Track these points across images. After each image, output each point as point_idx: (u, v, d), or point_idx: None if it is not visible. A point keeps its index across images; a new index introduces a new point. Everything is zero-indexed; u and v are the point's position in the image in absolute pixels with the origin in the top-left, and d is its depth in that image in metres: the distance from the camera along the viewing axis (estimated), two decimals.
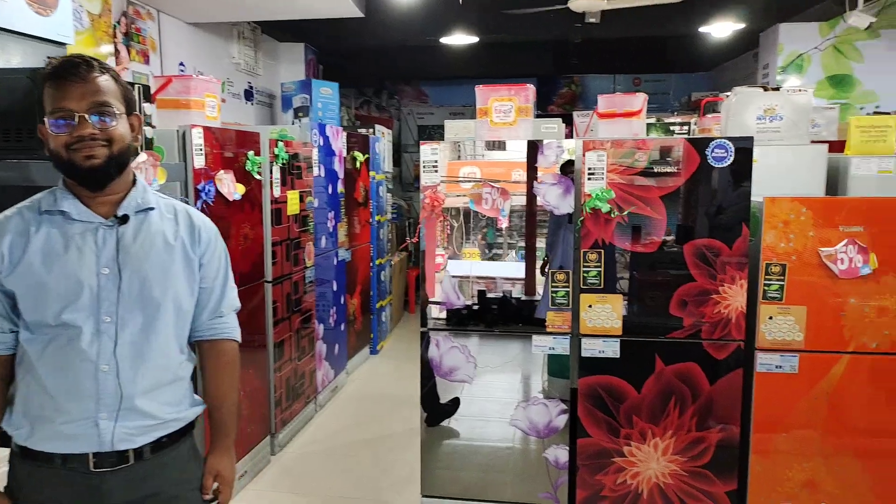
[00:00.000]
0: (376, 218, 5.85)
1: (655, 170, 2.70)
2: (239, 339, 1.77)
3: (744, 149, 2.63)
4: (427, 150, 2.89)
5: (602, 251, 2.74)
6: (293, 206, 3.95)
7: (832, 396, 2.60)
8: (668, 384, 2.71)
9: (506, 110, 3.02)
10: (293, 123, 5.59)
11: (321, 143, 4.56)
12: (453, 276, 2.92)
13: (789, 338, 2.62)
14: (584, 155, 2.74)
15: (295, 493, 3.37)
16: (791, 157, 3.19)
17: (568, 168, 2.80)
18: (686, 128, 6.13)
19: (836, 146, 3.40)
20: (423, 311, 2.94)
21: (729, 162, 2.64)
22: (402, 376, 5.16)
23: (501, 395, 2.91)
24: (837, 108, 4.64)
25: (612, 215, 2.71)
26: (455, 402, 2.92)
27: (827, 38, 6.56)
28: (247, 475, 3.41)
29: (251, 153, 3.44)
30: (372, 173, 5.76)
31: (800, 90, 3.45)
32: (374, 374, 5.31)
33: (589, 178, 2.74)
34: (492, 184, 2.86)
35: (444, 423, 2.94)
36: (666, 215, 2.69)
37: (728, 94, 3.60)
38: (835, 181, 3.23)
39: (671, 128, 6.21)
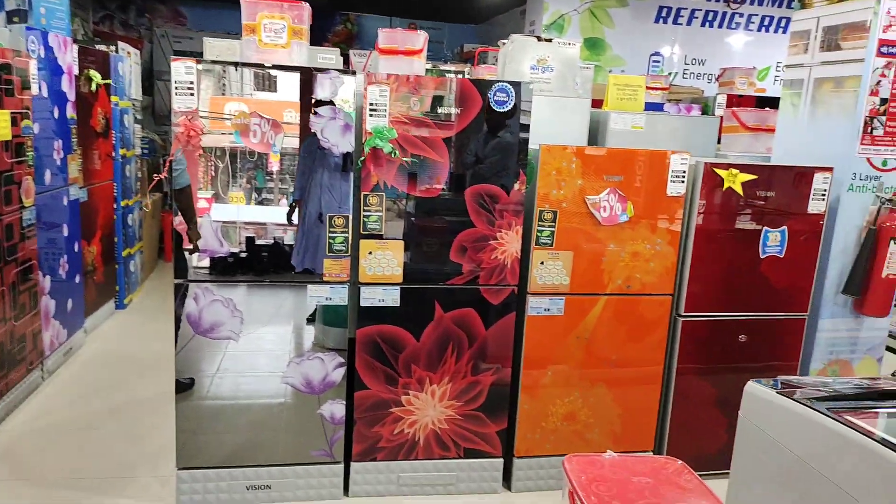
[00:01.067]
0: (121, 152, 5.01)
1: (439, 111, 2.57)
2: None
3: (523, 94, 2.61)
4: (180, 69, 2.43)
5: (383, 195, 2.57)
6: (2, 131, 3.15)
7: (591, 334, 2.77)
8: (447, 331, 2.67)
9: (277, 29, 2.64)
10: (5, 27, 4.48)
11: (42, 55, 3.70)
12: (215, 222, 2.53)
13: (557, 282, 2.73)
14: (365, 89, 2.51)
15: (17, 480, 2.77)
16: (559, 109, 3.30)
17: None
18: (460, 76, 6.19)
19: (594, 104, 3.62)
20: (178, 259, 2.52)
21: (510, 106, 2.62)
22: (154, 333, 4.57)
23: (272, 349, 2.63)
24: (593, 67, 4.97)
25: (394, 156, 2.54)
26: (192, 381, 2.57)
27: (585, 3, 7.06)
28: None
29: None
30: (115, 99, 4.90)
31: (569, 44, 3.57)
32: (121, 332, 4.62)
33: (371, 115, 2.53)
34: (261, 114, 2.50)
35: (200, 386, 2.59)
36: (449, 159, 2.59)
37: (504, 41, 3.61)
38: (595, 134, 3.43)
39: (446, 75, 6.23)
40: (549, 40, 3.52)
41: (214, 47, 3.28)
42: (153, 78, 8.16)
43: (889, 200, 2.91)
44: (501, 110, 2.62)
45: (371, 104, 2.52)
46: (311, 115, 2.51)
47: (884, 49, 2.86)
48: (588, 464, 1.26)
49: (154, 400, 3.56)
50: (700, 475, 2.81)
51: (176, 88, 2.43)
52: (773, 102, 5.26)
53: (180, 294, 2.52)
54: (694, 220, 2.78)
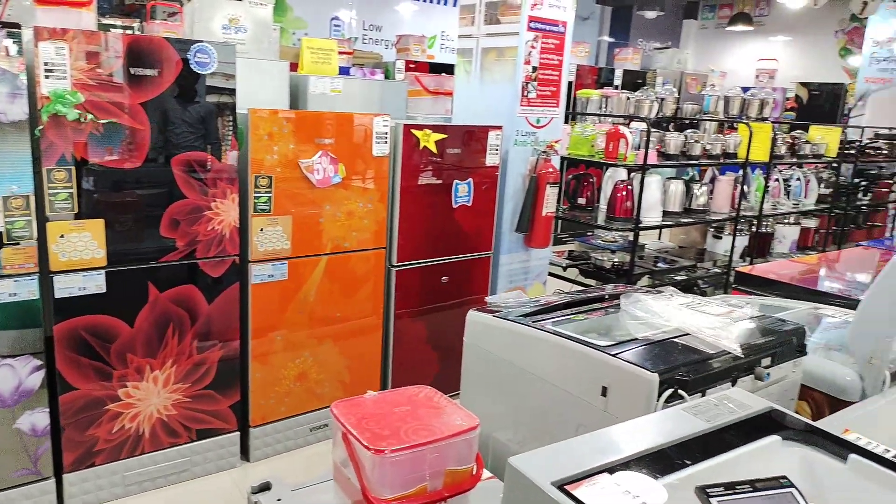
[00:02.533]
0: None
1: (133, 72, 2.33)
2: None
3: (226, 55, 2.52)
4: None
5: (73, 168, 2.26)
6: None
7: (315, 294, 2.87)
8: (165, 312, 2.50)
9: None
10: None
11: None
12: None
13: (279, 247, 2.74)
14: (37, 46, 2.15)
15: None
16: (257, 72, 3.24)
17: None
18: (130, 31, 5.56)
19: (291, 66, 3.63)
20: None
21: (213, 68, 2.50)
22: None
23: None
24: (279, 29, 4.93)
25: (83, 122, 2.24)
26: None
27: None
28: None
29: None
30: None
31: (261, 4, 3.50)
32: None
33: (47, 77, 2.18)
34: None
35: None
36: (149, 125, 2.38)
37: None
38: (296, 97, 3.46)
39: (112, 29, 5.53)
40: None
41: None
42: None
43: (544, 152, 3.55)
44: (204, 72, 2.48)
45: (46, 64, 2.17)
46: None
47: (532, 24, 3.41)
48: (353, 406, 1.36)
49: None
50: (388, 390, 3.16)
51: None
52: (444, 68, 5.88)
53: None
54: (398, 178, 3.03)
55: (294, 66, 3.64)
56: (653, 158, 3.79)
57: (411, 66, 6.45)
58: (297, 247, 2.78)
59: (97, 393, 2.39)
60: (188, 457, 2.63)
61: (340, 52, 5.58)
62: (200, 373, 2.61)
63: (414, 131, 3.05)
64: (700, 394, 1.45)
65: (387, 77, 6.60)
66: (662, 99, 4.47)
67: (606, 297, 1.99)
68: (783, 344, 1.71)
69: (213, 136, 2.53)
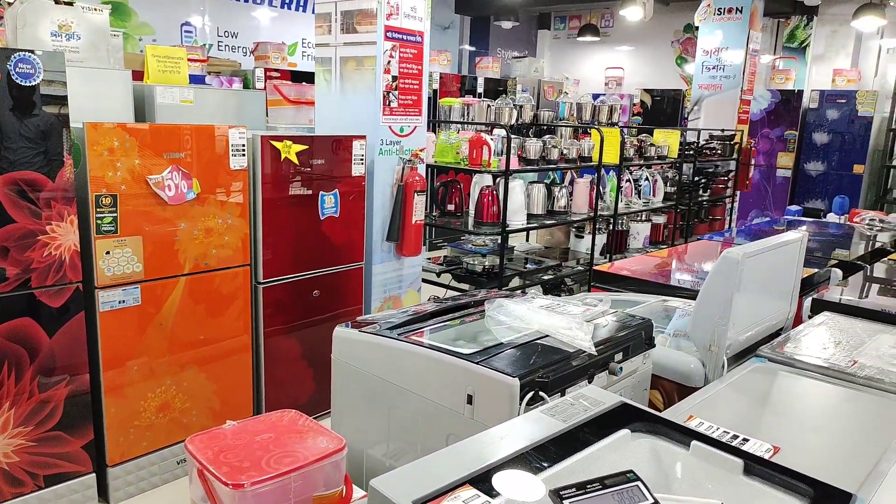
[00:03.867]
0: None
1: None
2: None
3: (53, 65, 2.30)
4: None
5: None
6: None
7: (175, 318, 2.69)
8: None
9: None
10: None
11: None
12: None
13: (129, 270, 2.55)
14: None
15: None
16: (95, 82, 3.02)
17: None
18: None
19: (137, 75, 3.40)
20: None
21: (39, 79, 2.28)
22: None
23: None
24: (121, 35, 4.62)
25: None
26: None
27: None
28: None
29: None
30: None
31: (95, 9, 3.26)
32: None
33: None
34: None
35: None
36: None
37: (11, 0, 3.08)
38: (142, 108, 3.25)
39: None
40: (71, 3, 3.14)
41: None
42: None
43: (409, 161, 3.57)
44: (28, 84, 2.26)
45: None
46: None
47: (389, 34, 3.43)
48: (210, 439, 1.29)
49: None
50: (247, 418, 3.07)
51: None
52: (305, 77, 5.76)
53: None
54: (259, 192, 2.92)
55: (140, 76, 3.42)
56: (515, 164, 3.92)
57: (273, 74, 6.26)
58: (151, 269, 2.60)
59: None
60: None
61: (193, 60, 5.32)
62: (45, 413, 2.36)
63: (274, 143, 2.95)
64: (560, 394, 1.52)
65: (246, 86, 6.36)
66: (521, 106, 4.64)
67: (473, 303, 2.03)
68: (633, 338, 1.82)
69: (44, 153, 2.30)
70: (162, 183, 2.60)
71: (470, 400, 1.47)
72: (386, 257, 3.57)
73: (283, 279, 3.06)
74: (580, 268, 4.40)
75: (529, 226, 4.12)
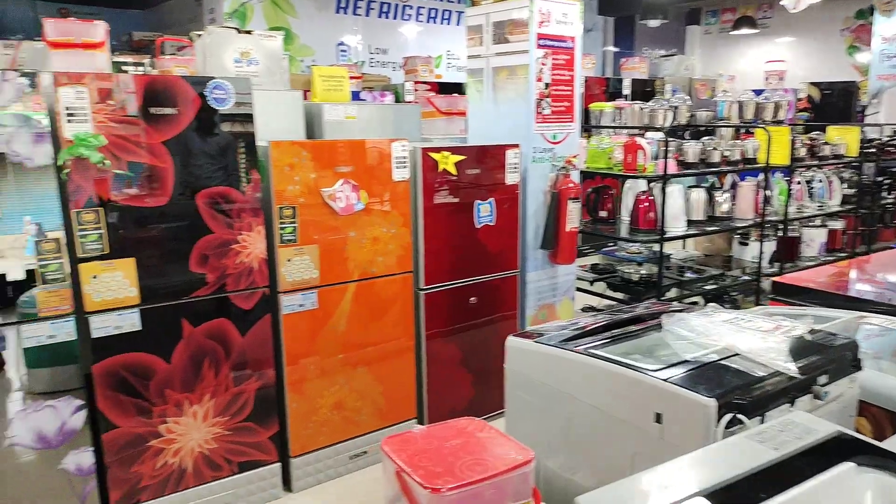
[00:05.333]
0: None
1: (152, 111, 2.36)
2: None
3: (242, 89, 2.54)
4: None
5: (101, 209, 2.28)
6: None
7: (346, 321, 2.86)
8: (200, 347, 2.51)
9: None
10: None
11: None
12: None
13: (307, 276, 2.75)
14: (56, 91, 2.18)
15: None
16: (272, 103, 3.28)
17: None
18: (142, 68, 5.65)
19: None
20: None
21: (231, 104, 2.52)
22: None
23: None
24: (287, 58, 4.99)
25: (105, 165, 2.27)
26: None
27: None
28: None
29: None
30: None
31: (270, 36, 3.54)
32: None
33: (69, 121, 2.21)
34: None
35: None
36: (173, 163, 2.41)
37: (199, 33, 3.43)
38: (311, 125, 3.48)
39: (123, 67, 5.62)
40: (250, 32, 3.45)
41: None
42: None
43: (562, 168, 3.54)
44: (222, 108, 2.51)
45: (68, 108, 2.20)
46: None
47: (542, 41, 3.43)
48: (404, 442, 1.35)
49: None
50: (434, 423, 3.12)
51: None
52: (451, 88, 5.90)
53: None
54: (420, 201, 3.04)
55: (306, 95, 3.67)
56: (672, 168, 3.77)
57: (421, 87, 6.49)
58: (325, 275, 2.78)
59: (139, 430, 2.40)
60: (231, 490, 2.62)
61: (350, 77, 5.64)
62: (238, 405, 2.60)
63: (432, 154, 3.05)
64: (759, 418, 1.42)
65: (397, 99, 6.65)
66: (676, 107, 4.45)
67: (645, 316, 1.97)
68: (838, 359, 1.67)
69: (235, 169, 2.55)
70: (334, 195, 2.78)
71: (658, 419, 1.43)
72: (540, 265, 3.56)
73: (442, 286, 3.15)
74: (746, 277, 4.13)
75: (690, 233, 3.93)
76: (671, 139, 3.87)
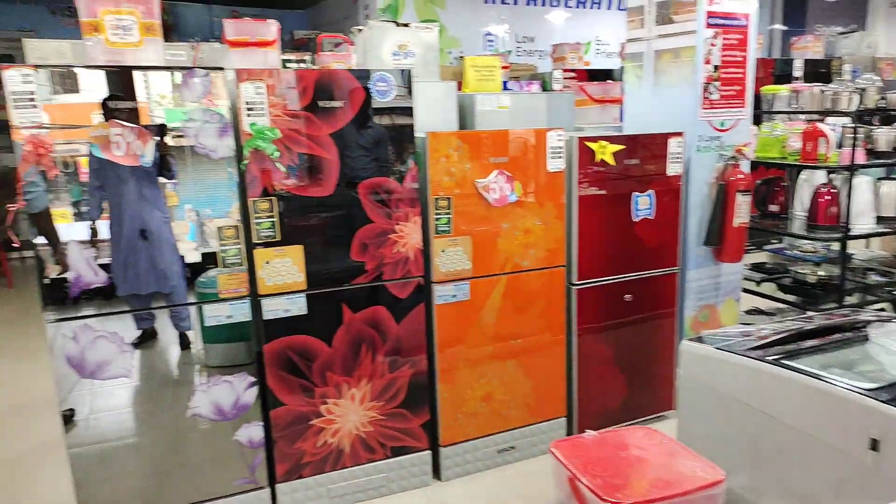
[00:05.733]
0: None
1: (321, 105, 2.45)
2: None
3: (404, 82, 2.57)
4: (16, 78, 2.08)
5: (274, 198, 2.42)
6: None
7: (496, 314, 2.84)
8: (359, 332, 2.59)
9: (126, 26, 2.36)
10: None
11: None
12: (83, 244, 2.22)
13: (460, 267, 2.75)
14: (238, 87, 2.33)
15: None
16: (427, 94, 3.30)
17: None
18: (304, 64, 5.96)
19: None
20: (44, 294, 2.19)
21: (393, 95, 2.57)
22: (9, 376, 3.96)
23: (171, 380, 2.39)
24: (438, 49, 5.03)
25: (275, 156, 2.39)
26: (71, 412, 2.28)
27: None
28: None
29: None
30: None
31: (427, 28, 3.57)
32: None
33: (249, 114, 2.35)
34: (123, 122, 2.22)
35: (88, 431, 2.30)
36: (338, 155, 2.49)
37: (360, 27, 3.53)
38: (463, 116, 3.48)
39: (287, 65, 5.96)
40: (407, 25, 3.50)
41: (38, 49, 2.87)
42: None
43: (732, 157, 3.27)
44: (384, 100, 2.56)
45: (248, 103, 2.35)
46: (185, 122, 2.28)
47: (711, 20, 3.17)
48: (574, 447, 1.29)
49: (32, 452, 3.10)
50: (606, 429, 2.99)
51: (15, 101, 2.09)
52: (600, 75, 5.68)
53: (54, 335, 2.19)
54: (575, 193, 2.93)
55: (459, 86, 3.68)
56: (861, 157, 3.35)
57: (569, 75, 6.31)
58: (477, 266, 2.77)
59: (303, 408, 2.53)
60: (385, 473, 2.70)
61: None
62: (392, 391, 2.67)
63: (589, 144, 2.93)
64: None
65: (544, 88, 6.52)
66: (863, 89, 3.96)
67: (845, 325, 1.74)
68: None
69: (395, 160, 2.59)
70: (488, 186, 2.75)
71: (874, 446, 1.24)
72: (702, 262, 3.32)
73: (596, 282, 3.03)
74: None
75: (880, 230, 3.49)
76: (859, 125, 3.45)
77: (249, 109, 2.35)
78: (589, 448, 1.27)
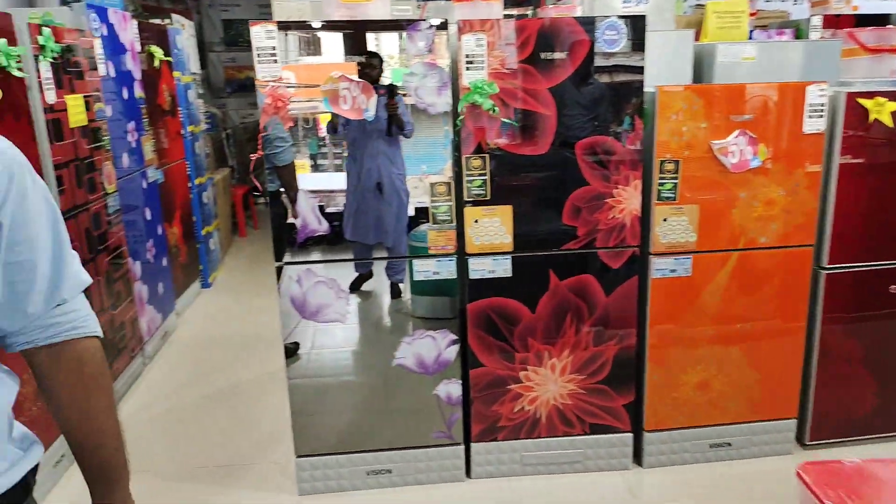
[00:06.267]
0: (189, 129, 4.92)
1: (542, 57, 2.31)
2: (100, 332, 1.08)
3: (636, 30, 2.32)
4: (260, 33, 2.23)
5: (487, 156, 2.35)
6: (77, 116, 3.05)
7: (721, 295, 2.52)
8: (564, 300, 2.46)
9: None
10: (65, 6, 4.38)
11: (105, 34, 3.57)
12: (311, 196, 2.37)
13: (682, 239, 2.47)
14: (460, 39, 2.27)
15: (138, 472, 2.74)
16: (659, 45, 2.97)
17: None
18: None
19: None
20: (276, 240, 2.38)
21: (621, 45, 2.33)
22: (243, 310, 4.53)
23: (380, 329, 2.50)
24: None
25: (494, 112, 2.30)
26: (296, 346, 2.45)
27: None
28: (65, 459, 2.71)
29: (2, 42, 2.49)
30: (176, 74, 4.78)
31: None
32: (210, 311, 4.61)
33: (468, 68, 2.29)
34: (350, 77, 2.29)
35: (308, 365, 2.48)
36: (556, 110, 2.34)
37: None
38: (698, 69, 3.09)
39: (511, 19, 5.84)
40: None
41: (284, 9, 3.07)
42: (205, 51, 8.04)
43: None
44: (612, 50, 2.33)
45: (467, 56, 2.28)
46: (406, 76, 2.29)
47: None
48: (828, 473, 1.05)
49: (255, 382, 3.51)
50: (848, 441, 2.54)
51: (259, 55, 2.24)
52: (872, 20, 4.72)
53: (282, 277, 2.38)
54: (836, 160, 2.46)
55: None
56: None
57: (831, 21, 5.37)
58: (704, 240, 2.46)
59: (501, 372, 2.49)
60: (581, 449, 2.58)
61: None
62: (596, 366, 2.52)
63: (861, 101, 2.42)
64: None
65: (798, 37, 5.64)
66: None
67: None
68: None
69: (618, 118, 2.37)
70: (726, 148, 2.41)
71: None
72: None
73: (852, 266, 2.55)
74: None
75: None
76: None
77: (469, 63, 2.29)
78: (850, 478, 1.02)
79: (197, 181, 4.98)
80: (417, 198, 2.40)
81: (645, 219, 2.45)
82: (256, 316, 4.37)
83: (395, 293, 2.48)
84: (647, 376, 2.55)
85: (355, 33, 2.36)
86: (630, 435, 2.59)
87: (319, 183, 2.43)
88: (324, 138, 2.42)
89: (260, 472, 2.72)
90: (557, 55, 2.30)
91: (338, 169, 2.44)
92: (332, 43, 2.38)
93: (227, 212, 6.12)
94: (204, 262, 4.99)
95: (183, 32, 5.22)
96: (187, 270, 4.68)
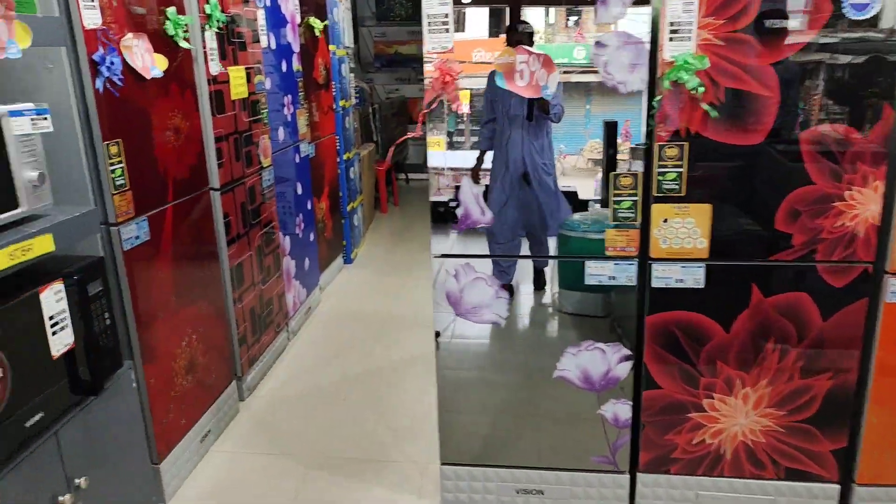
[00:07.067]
0: (340, 103, 4.87)
1: (767, 25, 1.88)
2: None
3: None
4: (433, 1, 1.99)
5: (686, 144, 1.97)
6: (239, 88, 3.00)
7: None
8: (767, 320, 2.05)
9: None
10: None
11: (268, 4, 3.52)
12: (474, 184, 2.12)
13: None
14: (664, 3, 1.90)
15: (273, 455, 2.70)
16: None
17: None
18: None
19: None
20: (437, 229, 2.17)
21: (874, 9, 1.85)
22: (384, 289, 4.45)
23: (541, 335, 2.23)
24: None
25: (700, 92, 1.91)
26: (436, 334, 2.23)
27: None
28: (211, 434, 2.72)
29: (171, 10, 2.44)
30: (332, 48, 4.72)
31: None
32: (352, 287, 4.57)
33: (671, 39, 1.91)
34: (530, 50, 2.00)
35: (449, 356, 2.27)
36: (780, 92, 1.91)
37: None
38: None
39: None
40: None
41: None
42: (356, 25, 8.06)
43: None
44: (861, 16, 1.86)
45: (672, 24, 1.90)
46: (595, 49, 1.96)
47: None
48: None
49: (392, 368, 3.39)
50: None
51: (430, 24, 2.00)
52: None
53: (438, 270, 2.17)
54: None
55: None
56: None
57: None
58: None
59: (680, 397, 2.13)
60: (772, 496, 2.18)
61: None
62: (801, 401, 2.09)
63: None
64: None
65: None
66: None
67: None
68: None
69: (860, 101, 1.90)
70: None
71: None
72: None
73: None
74: None
75: None
76: None
77: (673, 32, 1.91)
78: None
79: (345, 156, 4.93)
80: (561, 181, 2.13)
81: (884, 229, 1.97)
82: (397, 293, 4.26)
83: (539, 283, 2.20)
84: (867, 419, 2.08)
85: (512, 4, 2.08)
86: (837, 487, 2.14)
87: (456, 161, 2.20)
88: (462, 115, 2.18)
89: (398, 470, 2.56)
90: (788, 23, 1.87)
91: (473, 147, 2.20)
92: (477, 19, 2.14)
93: (371, 188, 6.09)
94: (347, 237, 4.96)
95: (340, 5, 5.16)
96: (332, 246, 4.66)
